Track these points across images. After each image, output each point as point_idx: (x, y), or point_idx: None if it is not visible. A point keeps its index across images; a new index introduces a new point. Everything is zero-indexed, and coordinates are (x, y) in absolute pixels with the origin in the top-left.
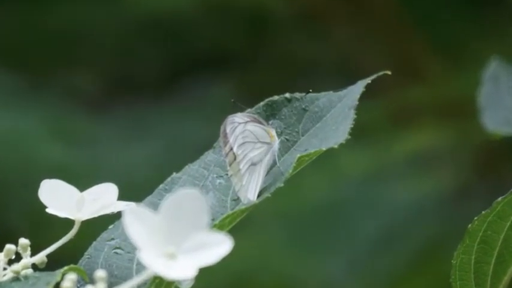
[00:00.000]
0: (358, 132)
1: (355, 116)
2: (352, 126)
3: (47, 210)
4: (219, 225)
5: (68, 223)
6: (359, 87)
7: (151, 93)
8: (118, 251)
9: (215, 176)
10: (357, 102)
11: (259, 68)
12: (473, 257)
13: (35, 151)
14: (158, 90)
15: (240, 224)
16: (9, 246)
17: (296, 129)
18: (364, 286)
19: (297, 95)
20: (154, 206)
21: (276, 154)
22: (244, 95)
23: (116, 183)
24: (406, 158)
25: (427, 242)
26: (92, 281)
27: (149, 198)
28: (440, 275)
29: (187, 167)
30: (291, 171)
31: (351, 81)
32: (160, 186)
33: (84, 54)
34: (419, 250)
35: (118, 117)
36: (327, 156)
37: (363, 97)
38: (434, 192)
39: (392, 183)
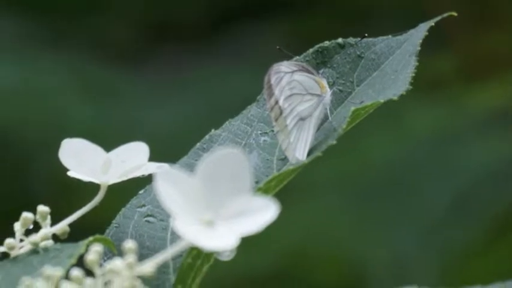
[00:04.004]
0: (427, 86)
1: (416, 64)
2: (413, 75)
3: (69, 173)
4: (263, 189)
5: (93, 188)
6: (421, 30)
7: (191, 43)
8: (150, 219)
9: (259, 132)
10: (419, 48)
11: (312, 14)
12: None
13: (59, 108)
14: (199, 39)
15: (288, 188)
16: (26, 215)
17: (350, 79)
18: (435, 260)
19: (351, 40)
20: (191, 168)
21: (328, 107)
22: (296, 43)
23: (149, 143)
24: (483, 116)
25: (508, 209)
26: (121, 253)
27: (185, 159)
28: None
29: (227, 122)
30: (345, 126)
31: (415, 25)
32: (197, 145)
33: None
34: (498, 218)
35: (154, 71)
36: (391, 112)
37: (433, 47)
38: None
39: (467, 144)
